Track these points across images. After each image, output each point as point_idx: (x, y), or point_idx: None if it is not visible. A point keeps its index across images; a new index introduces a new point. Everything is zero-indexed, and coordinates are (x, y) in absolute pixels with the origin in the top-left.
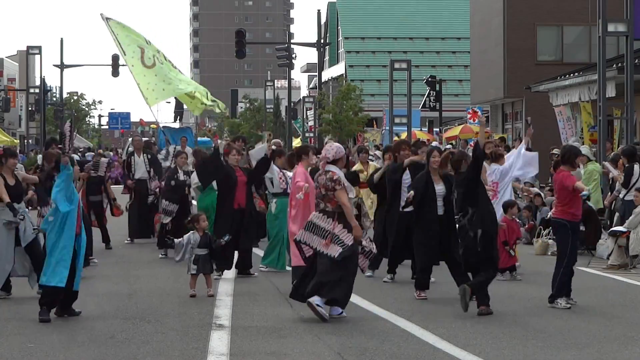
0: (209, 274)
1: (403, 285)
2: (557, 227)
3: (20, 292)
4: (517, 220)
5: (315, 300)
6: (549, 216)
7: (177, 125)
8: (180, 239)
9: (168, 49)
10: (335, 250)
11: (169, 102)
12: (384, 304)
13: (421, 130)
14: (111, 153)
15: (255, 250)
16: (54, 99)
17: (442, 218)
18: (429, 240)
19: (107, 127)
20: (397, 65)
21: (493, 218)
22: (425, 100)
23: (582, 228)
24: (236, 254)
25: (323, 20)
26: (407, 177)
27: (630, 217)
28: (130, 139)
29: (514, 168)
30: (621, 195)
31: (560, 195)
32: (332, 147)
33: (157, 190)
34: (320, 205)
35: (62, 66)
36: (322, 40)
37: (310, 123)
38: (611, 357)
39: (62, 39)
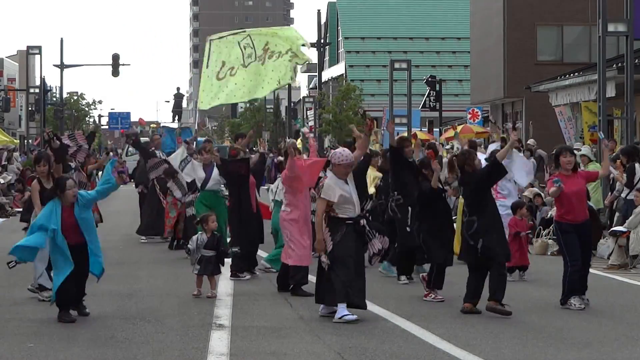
0: (213, 276)
1: (403, 286)
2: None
3: (20, 293)
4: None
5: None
6: (549, 216)
7: (176, 125)
8: (190, 245)
9: (168, 49)
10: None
11: (168, 102)
12: (384, 304)
13: (421, 130)
14: (111, 153)
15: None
16: (54, 99)
17: None
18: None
19: (107, 127)
20: (397, 65)
21: (498, 230)
22: (425, 100)
23: None
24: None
25: (323, 20)
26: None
27: (631, 217)
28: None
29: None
30: (623, 195)
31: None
32: (336, 152)
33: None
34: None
35: (62, 66)
36: (322, 40)
37: (311, 123)
38: (611, 357)
39: (62, 39)
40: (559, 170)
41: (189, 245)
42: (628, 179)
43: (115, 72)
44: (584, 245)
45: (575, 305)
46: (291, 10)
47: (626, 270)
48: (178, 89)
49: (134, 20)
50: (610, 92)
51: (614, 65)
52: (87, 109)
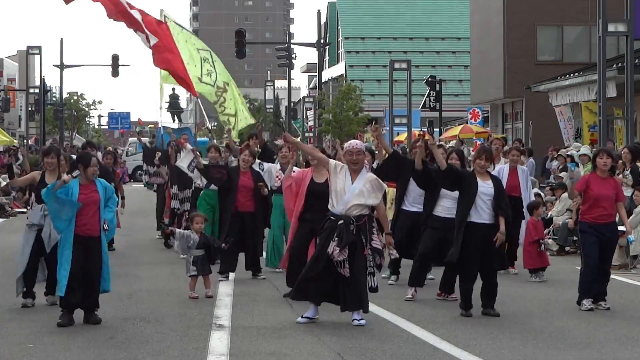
0: (207, 275)
1: (403, 286)
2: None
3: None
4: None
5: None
6: (548, 216)
7: (176, 125)
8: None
9: None
10: None
11: (167, 102)
12: (384, 305)
13: (421, 130)
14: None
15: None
16: (54, 99)
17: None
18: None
19: (107, 127)
20: (397, 65)
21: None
22: (425, 100)
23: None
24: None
25: (323, 20)
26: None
27: (631, 217)
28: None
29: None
30: (628, 193)
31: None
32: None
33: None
34: None
35: (62, 66)
36: (322, 40)
37: (310, 123)
38: (611, 357)
39: (62, 39)
40: (595, 171)
41: (174, 241)
42: (635, 180)
43: (115, 73)
44: (605, 249)
45: (584, 305)
46: (291, 10)
47: (626, 271)
48: (173, 89)
49: None
50: (611, 92)
51: (614, 65)
52: (87, 109)
